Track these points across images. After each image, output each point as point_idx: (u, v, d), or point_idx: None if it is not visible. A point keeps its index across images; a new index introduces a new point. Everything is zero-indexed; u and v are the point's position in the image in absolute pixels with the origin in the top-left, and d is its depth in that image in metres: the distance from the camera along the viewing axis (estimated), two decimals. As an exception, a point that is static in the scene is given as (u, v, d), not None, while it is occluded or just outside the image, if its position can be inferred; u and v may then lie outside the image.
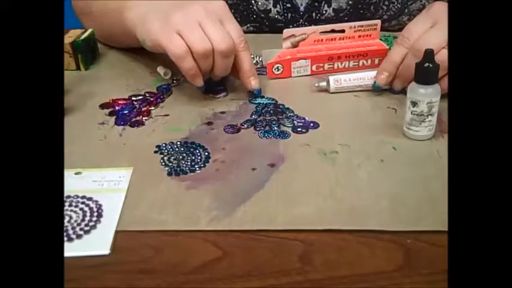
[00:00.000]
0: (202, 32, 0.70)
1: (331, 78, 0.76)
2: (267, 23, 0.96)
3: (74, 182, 0.60)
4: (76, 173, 0.61)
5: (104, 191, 0.59)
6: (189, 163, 0.63)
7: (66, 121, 0.69)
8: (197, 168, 0.62)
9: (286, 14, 0.95)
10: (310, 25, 0.94)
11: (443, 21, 0.71)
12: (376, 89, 0.76)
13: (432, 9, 0.73)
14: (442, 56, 0.67)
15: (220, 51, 0.71)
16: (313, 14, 0.95)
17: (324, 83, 0.77)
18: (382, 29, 0.83)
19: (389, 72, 0.74)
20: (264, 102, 0.75)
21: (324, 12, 0.94)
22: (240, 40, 0.74)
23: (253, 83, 0.76)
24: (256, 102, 0.75)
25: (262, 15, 0.95)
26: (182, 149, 0.65)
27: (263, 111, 0.72)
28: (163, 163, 0.63)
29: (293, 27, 0.95)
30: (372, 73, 0.76)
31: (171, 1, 0.74)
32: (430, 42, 0.69)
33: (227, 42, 0.71)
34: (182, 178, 0.61)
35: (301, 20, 0.95)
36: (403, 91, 0.74)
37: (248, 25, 0.96)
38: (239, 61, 0.75)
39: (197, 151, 0.65)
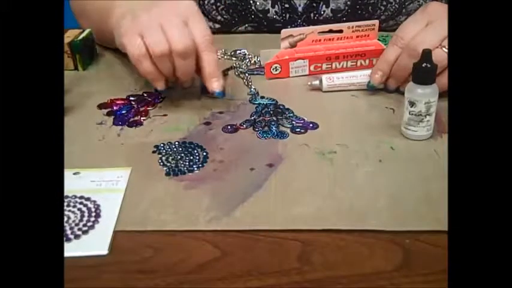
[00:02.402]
0: (162, 33, 0.69)
1: (324, 76, 0.77)
2: (265, 23, 0.96)
3: (72, 182, 0.60)
4: (74, 173, 0.61)
5: (102, 191, 0.59)
6: (187, 163, 0.63)
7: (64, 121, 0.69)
8: (195, 168, 0.62)
9: (284, 15, 0.95)
10: (308, 25, 0.94)
11: (438, 20, 0.71)
12: (370, 88, 0.76)
13: (427, 9, 0.74)
14: (436, 56, 0.67)
15: (177, 52, 0.69)
16: (311, 15, 0.95)
17: (317, 82, 0.77)
18: (380, 29, 0.84)
19: (383, 72, 0.74)
20: (264, 103, 0.75)
21: (322, 12, 0.94)
22: (203, 40, 0.71)
23: (215, 85, 0.73)
24: (256, 102, 0.75)
25: (261, 16, 0.95)
26: (180, 149, 0.65)
27: (263, 111, 0.72)
28: (161, 163, 0.63)
29: (291, 27, 0.95)
30: (365, 71, 0.76)
31: (147, 1, 0.73)
32: (424, 42, 0.69)
33: (184, 42, 0.69)
34: (180, 178, 0.61)
35: (299, 21, 0.95)
36: (398, 90, 0.75)
37: (246, 25, 0.97)
38: (201, 62, 0.72)
39: (195, 151, 0.65)
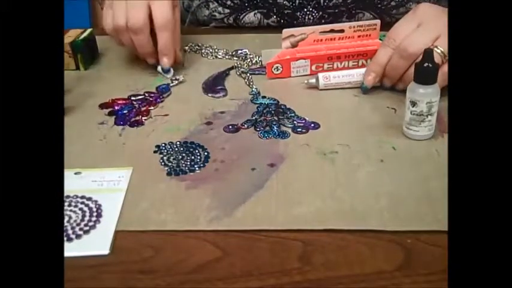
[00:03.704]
0: (124, 10, 0.79)
1: (321, 74, 0.77)
2: (274, 9, 0.95)
3: (74, 182, 0.60)
4: (76, 173, 0.61)
5: (103, 191, 0.59)
6: (188, 163, 0.63)
7: (65, 121, 0.69)
8: (196, 168, 0.62)
9: (294, 0, 0.94)
10: (318, 12, 0.93)
11: (429, 22, 0.72)
12: (363, 89, 0.76)
13: (418, 10, 0.74)
14: None
15: (129, 28, 0.79)
16: (321, 0, 0.94)
17: (313, 80, 0.77)
18: (390, 16, 0.82)
19: (376, 73, 0.75)
20: (266, 103, 0.75)
21: None
22: (160, 21, 0.79)
23: (164, 61, 0.82)
24: (257, 102, 0.75)
25: (270, 1, 0.94)
26: (182, 148, 0.65)
27: (264, 111, 0.72)
28: (162, 163, 0.63)
29: (300, 14, 0.94)
30: (362, 70, 0.77)
31: None
32: (415, 43, 0.70)
33: (135, 19, 0.78)
34: (182, 178, 0.60)
35: (308, 7, 0.94)
36: (396, 88, 0.75)
37: (256, 11, 0.96)
38: (157, 39, 0.81)
39: (196, 151, 0.65)
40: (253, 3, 0.95)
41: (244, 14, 0.97)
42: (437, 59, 0.68)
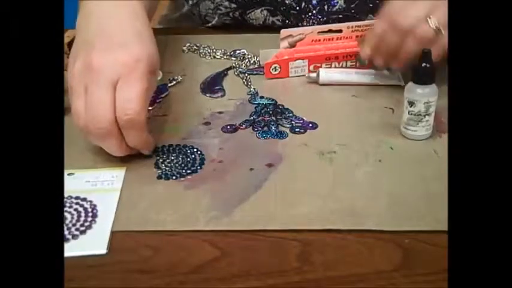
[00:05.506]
0: (83, 102, 0.58)
1: (322, 69, 0.78)
2: (281, 8, 0.95)
3: (67, 183, 0.59)
4: (69, 174, 0.61)
5: (97, 191, 0.59)
6: (184, 165, 0.62)
7: (65, 121, 0.69)
8: (191, 172, 0.61)
9: (300, 3, 0.93)
10: (321, 17, 0.93)
11: None
12: (360, 62, 0.77)
13: None
14: (424, 30, 0.67)
15: (92, 132, 0.59)
16: (325, 7, 0.93)
17: (314, 74, 0.78)
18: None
19: (370, 45, 0.74)
20: (264, 103, 0.75)
21: (336, 4, 0.93)
22: (122, 119, 0.57)
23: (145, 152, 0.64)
24: (256, 102, 0.75)
25: (278, 0, 0.94)
26: (178, 150, 0.65)
27: (262, 111, 0.72)
28: (158, 164, 0.63)
29: (305, 17, 0.93)
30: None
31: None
32: (407, 16, 0.69)
33: (97, 120, 0.57)
34: (179, 179, 0.60)
35: (314, 11, 0.94)
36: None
37: (262, 8, 0.95)
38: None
39: (192, 154, 0.64)
40: (261, 1, 0.95)
41: (250, 11, 0.96)
42: (429, 32, 0.67)
